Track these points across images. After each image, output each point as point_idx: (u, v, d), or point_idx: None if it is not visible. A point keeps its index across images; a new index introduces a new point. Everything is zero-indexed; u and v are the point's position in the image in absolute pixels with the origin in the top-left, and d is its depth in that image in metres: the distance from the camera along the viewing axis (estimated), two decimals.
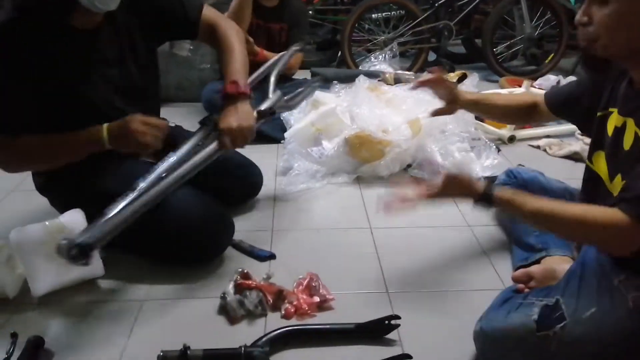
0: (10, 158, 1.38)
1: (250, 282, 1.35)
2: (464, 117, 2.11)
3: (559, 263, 1.26)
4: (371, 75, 2.44)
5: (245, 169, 1.82)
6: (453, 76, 2.42)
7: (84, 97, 1.38)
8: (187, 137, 1.63)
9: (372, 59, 2.83)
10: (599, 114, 1.13)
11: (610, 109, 1.10)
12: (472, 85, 2.36)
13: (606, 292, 1.05)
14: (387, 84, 2.38)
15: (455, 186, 1.10)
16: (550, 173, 1.61)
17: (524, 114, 1.42)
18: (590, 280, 1.09)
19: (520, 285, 1.18)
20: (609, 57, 1.01)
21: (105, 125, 1.33)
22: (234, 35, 1.53)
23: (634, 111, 1.01)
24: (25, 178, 2.03)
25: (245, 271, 1.37)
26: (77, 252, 1.14)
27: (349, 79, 2.40)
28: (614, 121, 1.06)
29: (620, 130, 1.03)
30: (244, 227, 1.68)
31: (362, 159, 2.03)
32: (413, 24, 3.19)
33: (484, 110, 1.49)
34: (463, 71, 2.48)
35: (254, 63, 2.45)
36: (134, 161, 1.48)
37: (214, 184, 1.61)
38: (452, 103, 1.43)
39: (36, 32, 1.30)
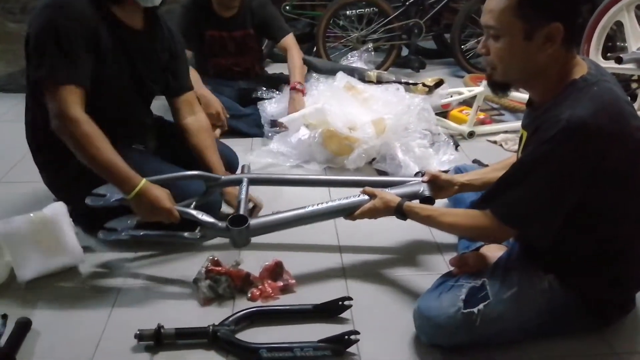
0: (76, 130, 1.40)
1: (220, 268, 1.49)
2: (427, 116, 2.25)
3: (493, 251, 1.42)
4: (352, 71, 2.56)
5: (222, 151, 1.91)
6: (430, 81, 2.53)
7: (108, 83, 1.53)
8: (168, 125, 1.84)
9: (349, 57, 2.94)
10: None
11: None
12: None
13: (526, 275, 1.23)
14: (369, 82, 2.50)
15: (374, 212, 1.43)
16: None
17: None
18: (515, 265, 1.26)
19: (455, 269, 1.34)
20: (508, 82, 1.19)
21: (141, 184, 1.41)
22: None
23: (527, 126, 1.21)
24: (9, 171, 2.14)
25: (216, 258, 1.51)
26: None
27: (334, 72, 2.51)
28: (522, 131, 1.25)
29: (521, 140, 1.23)
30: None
31: (332, 151, 2.20)
32: (385, 21, 3.31)
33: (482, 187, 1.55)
34: (439, 77, 2.60)
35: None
36: (131, 149, 1.64)
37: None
38: (445, 191, 1.53)
39: (88, 10, 1.45)
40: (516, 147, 2.36)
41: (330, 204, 1.51)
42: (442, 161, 2.14)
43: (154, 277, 1.55)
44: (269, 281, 1.47)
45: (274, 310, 1.38)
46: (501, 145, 2.44)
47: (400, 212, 1.38)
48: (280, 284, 1.47)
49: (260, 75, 2.80)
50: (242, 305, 1.41)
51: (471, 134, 2.51)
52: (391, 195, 1.45)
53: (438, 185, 1.53)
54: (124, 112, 1.64)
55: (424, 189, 1.52)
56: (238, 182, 1.67)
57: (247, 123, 2.52)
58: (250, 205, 1.81)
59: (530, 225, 1.17)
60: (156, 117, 1.90)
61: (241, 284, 1.47)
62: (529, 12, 1.06)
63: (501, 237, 1.29)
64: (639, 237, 1.21)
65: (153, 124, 1.83)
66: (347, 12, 3.39)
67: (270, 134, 2.41)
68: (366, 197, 1.47)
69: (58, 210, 1.53)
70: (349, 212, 1.48)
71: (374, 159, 2.19)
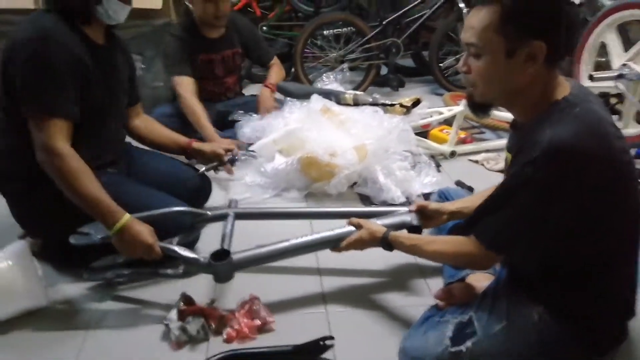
0: (62, 162, 1.38)
1: (193, 307, 1.40)
2: (407, 137, 2.21)
3: (480, 280, 1.37)
4: (328, 94, 2.51)
5: (191, 173, 1.91)
6: (407, 101, 2.50)
7: (95, 107, 1.52)
8: (133, 154, 1.82)
9: (324, 78, 2.91)
10: None
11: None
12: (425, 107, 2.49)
13: (516, 307, 1.17)
14: (346, 104, 2.46)
15: (360, 243, 1.39)
16: (486, 186, 1.67)
17: None
18: (503, 296, 1.21)
19: (440, 303, 1.28)
20: (488, 102, 1.14)
21: (124, 219, 1.38)
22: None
23: (510, 148, 1.17)
24: None
25: (188, 296, 1.43)
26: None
27: (309, 96, 2.46)
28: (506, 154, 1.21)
29: (507, 162, 1.19)
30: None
31: (312, 178, 2.13)
32: (362, 41, 3.29)
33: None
34: (417, 97, 2.56)
35: None
36: (105, 172, 1.61)
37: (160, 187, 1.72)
38: (434, 220, 1.50)
39: (69, 38, 1.44)
40: (498, 166, 2.36)
41: (315, 235, 1.47)
42: (424, 183, 2.09)
43: (123, 318, 1.45)
44: (246, 320, 1.39)
45: (250, 353, 1.30)
46: (483, 164, 2.41)
47: (386, 242, 1.34)
48: (258, 322, 1.39)
49: (238, 96, 2.75)
50: (217, 347, 1.32)
51: (452, 154, 2.47)
52: (377, 225, 1.42)
53: (426, 215, 1.50)
54: (105, 133, 1.63)
55: (411, 218, 1.48)
56: (224, 217, 1.66)
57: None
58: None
59: (515, 249, 1.13)
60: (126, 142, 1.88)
61: (216, 324, 1.38)
62: (512, 30, 1.03)
63: (487, 264, 1.25)
64: (627, 251, 1.16)
65: (124, 145, 1.82)
66: (325, 32, 3.36)
67: (243, 157, 2.33)
68: (352, 228, 1.44)
69: (18, 249, 1.44)
70: (335, 243, 1.44)
71: (355, 183, 2.13)
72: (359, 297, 1.53)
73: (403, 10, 3.35)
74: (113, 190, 1.54)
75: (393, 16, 3.34)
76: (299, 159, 2.10)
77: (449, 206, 1.48)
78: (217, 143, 1.88)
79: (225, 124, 2.56)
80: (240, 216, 1.69)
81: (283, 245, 1.47)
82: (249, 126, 2.40)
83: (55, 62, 1.39)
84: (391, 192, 1.99)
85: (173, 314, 1.38)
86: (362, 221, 1.43)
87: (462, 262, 1.26)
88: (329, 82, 2.83)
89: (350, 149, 2.03)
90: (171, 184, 1.81)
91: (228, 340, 1.35)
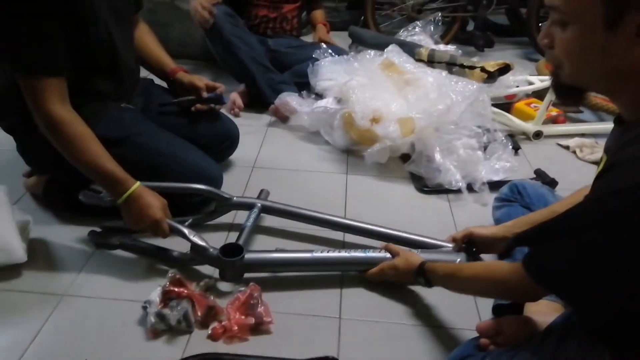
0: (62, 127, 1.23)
1: (181, 289, 1.17)
2: (482, 111, 1.79)
3: (542, 313, 1.01)
4: (402, 45, 2.14)
5: (219, 118, 1.70)
6: (492, 65, 2.05)
7: (95, 35, 1.32)
8: (152, 92, 1.64)
9: (409, 28, 2.49)
10: None
11: None
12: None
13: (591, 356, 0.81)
14: (419, 60, 2.09)
15: (394, 270, 1.22)
16: (574, 182, 1.23)
17: None
18: (571, 342, 0.84)
19: (484, 340, 0.96)
20: (579, 87, 0.80)
21: (134, 188, 1.25)
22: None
23: (609, 149, 0.83)
24: None
25: (177, 276, 1.19)
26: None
27: (384, 47, 2.12)
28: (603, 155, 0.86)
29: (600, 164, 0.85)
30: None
31: (352, 138, 1.86)
32: None
33: None
34: (505, 62, 2.08)
35: None
36: (122, 109, 1.47)
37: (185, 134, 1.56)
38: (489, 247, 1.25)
39: None
40: (594, 156, 1.89)
41: (344, 253, 1.31)
42: (495, 168, 1.69)
43: (103, 288, 1.25)
44: (237, 316, 1.13)
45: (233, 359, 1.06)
46: (574, 152, 1.95)
47: (422, 273, 1.14)
48: (252, 321, 1.13)
49: (295, 33, 2.44)
50: (199, 344, 1.09)
51: (538, 135, 2.02)
52: (416, 255, 1.23)
53: (479, 244, 1.25)
54: (113, 61, 1.42)
55: (460, 260, 1.25)
56: (250, 207, 1.46)
57: (269, 83, 2.18)
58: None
59: (573, 294, 0.80)
60: (144, 77, 1.66)
61: (203, 314, 1.14)
62: None
63: (535, 297, 0.94)
64: None
65: (138, 75, 1.59)
66: None
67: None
68: (387, 254, 1.27)
69: None
70: (365, 267, 1.28)
71: (408, 157, 1.77)
72: (383, 308, 1.22)
73: None
74: (127, 129, 1.42)
75: None
76: (341, 114, 1.82)
77: (500, 230, 1.19)
78: (199, 76, 1.62)
79: (277, 67, 2.27)
80: (268, 210, 1.48)
81: (305, 256, 1.30)
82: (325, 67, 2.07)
83: (30, 9, 1.17)
84: (449, 175, 1.63)
85: (155, 295, 1.15)
86: (400, 249, 1.26)
87: (504, 292, 0.99)
88: (414, 33, 2.42)
89: (394, 120, 1.67)
90: (192, 128, 1.60)
91: (213, 337, 1.11)
